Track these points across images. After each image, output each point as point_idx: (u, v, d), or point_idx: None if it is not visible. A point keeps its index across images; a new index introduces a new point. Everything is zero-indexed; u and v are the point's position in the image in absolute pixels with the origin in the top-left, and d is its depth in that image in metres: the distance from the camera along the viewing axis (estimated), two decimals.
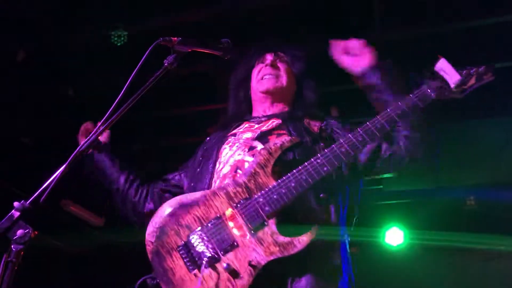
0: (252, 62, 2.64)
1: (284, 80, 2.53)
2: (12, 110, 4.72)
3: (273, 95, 2.53)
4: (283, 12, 3.77)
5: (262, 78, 2.54)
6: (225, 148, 2.34)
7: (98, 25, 4.09)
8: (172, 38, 2.04)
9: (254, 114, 2.58)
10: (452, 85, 2.14)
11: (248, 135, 2.34)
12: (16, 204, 1.58)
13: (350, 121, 5.13)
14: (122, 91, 1.92)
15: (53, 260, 6.25)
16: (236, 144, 2.32)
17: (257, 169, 2.06)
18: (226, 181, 2.17)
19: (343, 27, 3.91)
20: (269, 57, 2.59)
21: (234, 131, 2.45)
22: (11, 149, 5.19)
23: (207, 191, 2.10)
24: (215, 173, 2.27)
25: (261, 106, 2.57)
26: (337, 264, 2.09)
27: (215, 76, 4.11)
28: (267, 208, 1.97)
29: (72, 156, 1.67)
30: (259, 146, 2.25)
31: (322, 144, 2.21)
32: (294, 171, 2.02)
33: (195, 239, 1.99)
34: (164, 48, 2.10)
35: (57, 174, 1.65)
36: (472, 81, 2.17)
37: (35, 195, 1.60)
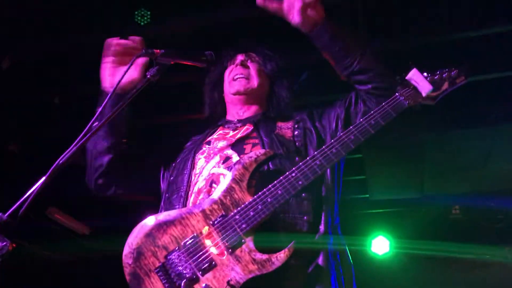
0: (224, 63, 2.61)
1: (255, 80, 2.50)
2: None
3: (245, 96, 2.50)
4: (267, 24, 3.79)
5: (233, 79, 2.52)
6: (199, 158, 2.32)
7: (83, 33, 4.08)
8: (155, 50, 2.04)
9: (228, 117, 2.55)
10: (424, 94, 2.15)
11: (223, 143, 2.33)
12: None
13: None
14: (104, 102, 1.93)
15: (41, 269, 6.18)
16: (211, 155, 2.30)
17: (233, 185, 2.03)
18: (201, 196, 2.15)
19: None
20: (239, 58, 2.56)
21: (208, 138, 2.42)
22: None
23: (183, 210, 2.07)
24: (191, 186, 2.25)
25: (234, 109, 2.54)
26: (320, 274, 2.05)
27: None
28: (243, 226, 1.95)
29: (52, 168, 1.67)
30: (234, 156, 2.24)
31: (296, 158, 2.18)
32: (270, 186, 2.00)
33: (172, 260, 1.96)
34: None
35: (37, 187, 1.64)
36: (445, 86, 2.18)
37: (13, 207, 1.59)
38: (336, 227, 2.22)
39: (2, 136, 5.07)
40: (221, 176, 2.17)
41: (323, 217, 2.14)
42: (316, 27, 2.24)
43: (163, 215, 2.07)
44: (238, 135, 2.36)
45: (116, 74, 2.34)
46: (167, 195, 2.33)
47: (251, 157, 2.08)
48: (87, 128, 1.76)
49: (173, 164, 2.44)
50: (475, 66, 4.10)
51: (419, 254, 6.07)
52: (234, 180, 2.04)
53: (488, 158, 5.36)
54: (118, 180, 2.44)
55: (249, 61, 2.56)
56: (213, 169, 2.22)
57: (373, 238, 6.40)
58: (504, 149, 5.16)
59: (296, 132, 2.31)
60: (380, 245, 6.38)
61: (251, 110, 2.52)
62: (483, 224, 6.13)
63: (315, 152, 2.06)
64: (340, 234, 2.23)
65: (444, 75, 2.19)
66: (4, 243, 1.52)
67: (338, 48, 2.25)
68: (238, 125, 2.43)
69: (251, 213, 1.96)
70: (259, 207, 1.97)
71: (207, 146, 2.36)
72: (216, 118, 2.59)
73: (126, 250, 2.04)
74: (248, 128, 2.39)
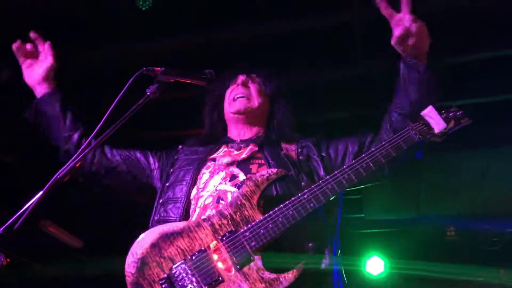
0: (225, 83, 2.64)
1: (255, 100, 2.53)
2: None
3: (245, 116, 2.52)
4: (268, 43, 3.82)
5: (234, 99, 2.54)
6: (204, 173, 2.32)
7: (82, 46, 4.10)
8: (155, 68, 2.06)
9: (230, 135, 2.57)
10: (437, 131, 2.18)
11: (228, 160, 2.33)
12: None
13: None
14: (103, 119, 1.93)
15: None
16: (216, 170, 2.30)
17: (243, 201, 2.04)
18: (208, 212, 2.14)
19: (325, 59, 3.98)
20: (241, 78, 2.59)
21: (213, 155, 2.42)
22: None
23: (191, 222, 2.06)
24: (193, 199, 2.25)
25: (235, 129, 2.56)
26: None
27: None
28: (253, 243, 1.96)
29: (49, 183, 1.67)
30: (241, 174, 2.24)
31: (303, 183, 2.20)
32: (281, 205, 2.02)
33: (178, 272, 1.94)
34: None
35: (33, 201, 1.64)
36: (451, 124, 2.23)
37: (9, 222, 1.59)
38: (338, 250, 2.25)
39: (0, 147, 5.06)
40: (228, 193, 2.17)
41: (327, 240, 2.17)
42: (411, 59, 2.22)
43: (170, 226, 2.06)
44: (243, 155, 2.36)
45: (32, 73, 2.62)
46: (160, 200, 2.33)
47: (263, 175, 2.10)
48: (86, 142, 1.76)
49: (170, 170, 2.45)
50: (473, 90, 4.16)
51: (414, 274, 6.05)
52: (244, 196, 2.05)
53: (484, 180, 5.37)
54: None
55: (250, 81, 2.59)
56: (220, 185, 2.22)
57: (367, 258, 6.38)
58: (500, 170, 5.19)
59: (300, 157, 2.33)
60: (375, 265, 6.35)
61: (252, 131, 2.54)
62: (478, 246, 6.13)
63: (327, 176, 2.08)
64: (340, 256, 2.25)
65: (450, 115, 2.23)
66: None
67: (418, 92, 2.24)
68: (242, 145, 2.44)
69: (262, 231, 1.97)
70: (270, 225, 1.98)
71: (212, 162, 2.37)
72: (215, 135, 2.60)
73: (130, 259, 2.00)
74: (252, 148, 2.39)
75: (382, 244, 6.32)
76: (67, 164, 1.71)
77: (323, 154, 2.36)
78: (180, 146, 2.58)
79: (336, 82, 4.32)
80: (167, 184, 2.37)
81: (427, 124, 2.19)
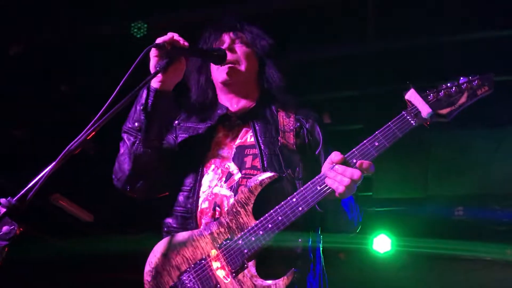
0: (209, 44, 2.41)
1: (243, 66, 2.34)
2: (2, 104, 4.71)
3: (234, 84, 2.37)
4: (278, 19, 3.78)
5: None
6: (206, 173, 2.25)
7: (94, 21, 4.09)
8: (166, 44, 2.04)
9: (221, 102, 2.42)
10: (424, 116, 1.95)
11: (224, 153, 2.27)
12: (2, 200, 1.58)
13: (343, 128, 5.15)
14: (114, 93, 1.93)
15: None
16: (212, 165, 2.25)
17: (238, 208, 2.07)
18: (204, 219, 2.17)
19: (336, 36, 3.94)
20: (227, 39, 2.38)
21: (211, 143, 2.31)
22: (3, 143, 5.17)
23: (195, 232, 2.13)
24: (198, 205, 2.21)
25: (226, 97, 2.42)
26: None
27: None
28: (245, 251, 2.00)
29: (61, 154, 1.68)
30: (235, 171, 2.21)
31: (300, 175, 2.16)
32: (272, 211, 2.01)
33: (183, 281, 2.05)
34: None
35: (46, 172, 1.65)
36: (463, 99, 1.95)
37: (22, 192, 1.60)
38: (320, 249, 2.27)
39: (9, 121, 5.10)
40: (225, 199, 2.17)
41: (310, 240, 2.18)
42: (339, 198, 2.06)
43: (178, 236, 2.15)
44: (238, 141, 2.29)
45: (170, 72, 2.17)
46: (182, 197, 2.25)
47: (256, 180, 2.08)
48: (98, 114, 1.77)
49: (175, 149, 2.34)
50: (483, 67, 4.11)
51: (421, 252, 6.08)
52: (239, 203, 2.08)
53: (494, 160, 5.35)
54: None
55: (237, 42, 2.38)
56: (216, 188, 2.20)
57: (375, 236, 6.41)
58: (510, 151, 5.16)
59: (298, 142, 2.25)
60: (382, 243, 6.38)
61: (246, 100, 2.40)
62: (486, 225, 6.13)
63: (316, 177, 2.00)
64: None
65: (463, 86, 1.94)
66: (12, 226, 1.54)
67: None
68: (237, 124, 2.34)
69: (253, 239, 2.01)
70: (260, 232, 2.00)
71: (208, 153, 2.28)
72: (208, 103, 2.44)
73: (147, 268, 2.14)
74: (247, 130, 2.31)
75: (389, 223, 6.34)
76: (79, 136, 1.72)
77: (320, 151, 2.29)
78: (176, 122, 2.43)
79: (343, 59, 4.29)
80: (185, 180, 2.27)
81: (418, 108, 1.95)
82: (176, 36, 2.13)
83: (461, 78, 1.99)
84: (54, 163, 1.67)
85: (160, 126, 2.22)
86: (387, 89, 4.27)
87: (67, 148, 1.70)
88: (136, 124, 2.16)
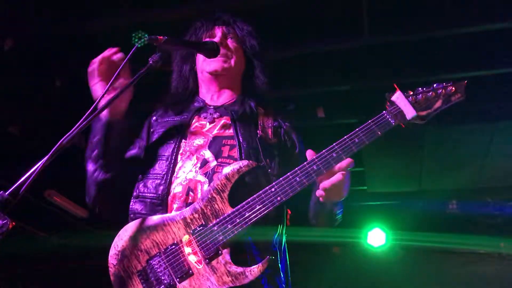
0: (198, 35, 2.41)
1: (232, 60, 2.36)
2: None
3: (221, 76, 2.37)
4: (276, 14, 3.77)
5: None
6: (178, 161, 2.22)
7: (84, 16, 4.07)
8: (158, 37, 2.03)
9: (201, 95, 2.42)
10: (409, 118, 2.05)
11: (200, 141, 2.25)
12: None
13: (338, 122, 5.15)
14: (107, 87, 1.94)
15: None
16: (186, 152, 2.23)
17: (214, 195, 2.04)
18: (176, 203, 2.12)
19: (332, 30, 3.94)
20: (218, 33, 2.39)
21: (186, 132, 2.29)
22: None
23: (165, 216, 2.08)
24: (170, 191, 2.17)
25: (208, 90, 2.41)
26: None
27: None
28: (220, 238, 1.98)
29: (54, 148, 1.68)
30: (211, 159, 2.18)
31: (276, 166, 2.17)
32: (249, 199, 2.00)
33: (153, 265, 2.01)
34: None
35: (38, 166, 1.65)
36: (438, 103, 2.06)
37: (14, 186, 1.60)
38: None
39: (3, 117, 5.08)
40: (199, 184, 2.14)
41: (281, 231, 2.20)
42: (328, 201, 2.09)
43: (148, 220, 2.09)
44: (215, 131, 2.27)
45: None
46: (141, 183, 2.23)
47: (234, 168, 2.07)
48: (90, 109, 1.77)
49: (147, 143, 2.33)
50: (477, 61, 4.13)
51: (415, 246, 6.12)
52: (215, 189, 2.05)
53: (487, 154, 5.38)
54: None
55: (229, 37, 2.40)
56: (190, 174, 2.17)
57: (369, 230, 6.45)
58: (502, 145, 5.19)
59: (276, 139, 2.28)
60: (376, 237, 6.42)
61: (226, 95, 2.40)
62: (479, 219, 6.18)
63: (296, 168, 2.01)
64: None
65: (439, 92, 2.06)
66: (5, 221, 1.54)
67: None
68: (215, 115, 2.32)
69: (229, 226, 1.98)
70: (237, 220, 1.98)
71: (184, 142, 2.26)
72: (186, 94, 2.44)
73: (112, 251, 2.08)
74: (225, 122, 2.30)
75: (384, 217, 6.38)
76: (71, 130, 1.73)
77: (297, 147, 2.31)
78: (154, 118, 2.41)
79: (337, 53, 4.29)
80: (150, 163, 2.26)
81: (401, 110, 2.05)
82: (109, 52, 2.18)
83: (436, 84, 2.11)
84: (46, 157, 1.67)
85: (119, 151, 2.25)
86: (381, 84, 4.28)
87: (59, 142, 1.71)
88: (95, 152, 2.19)
